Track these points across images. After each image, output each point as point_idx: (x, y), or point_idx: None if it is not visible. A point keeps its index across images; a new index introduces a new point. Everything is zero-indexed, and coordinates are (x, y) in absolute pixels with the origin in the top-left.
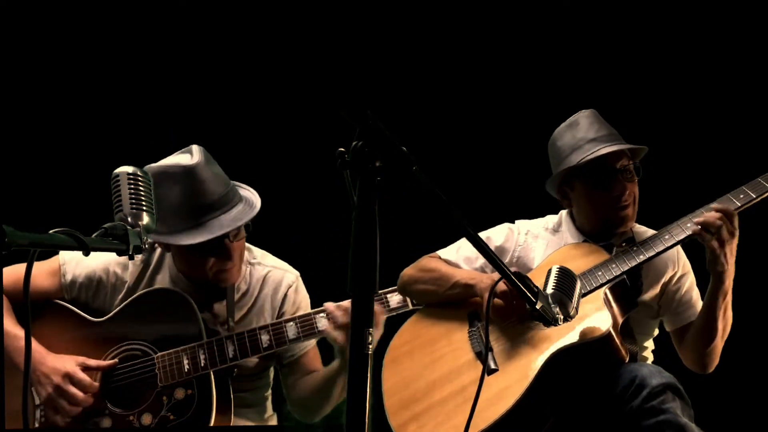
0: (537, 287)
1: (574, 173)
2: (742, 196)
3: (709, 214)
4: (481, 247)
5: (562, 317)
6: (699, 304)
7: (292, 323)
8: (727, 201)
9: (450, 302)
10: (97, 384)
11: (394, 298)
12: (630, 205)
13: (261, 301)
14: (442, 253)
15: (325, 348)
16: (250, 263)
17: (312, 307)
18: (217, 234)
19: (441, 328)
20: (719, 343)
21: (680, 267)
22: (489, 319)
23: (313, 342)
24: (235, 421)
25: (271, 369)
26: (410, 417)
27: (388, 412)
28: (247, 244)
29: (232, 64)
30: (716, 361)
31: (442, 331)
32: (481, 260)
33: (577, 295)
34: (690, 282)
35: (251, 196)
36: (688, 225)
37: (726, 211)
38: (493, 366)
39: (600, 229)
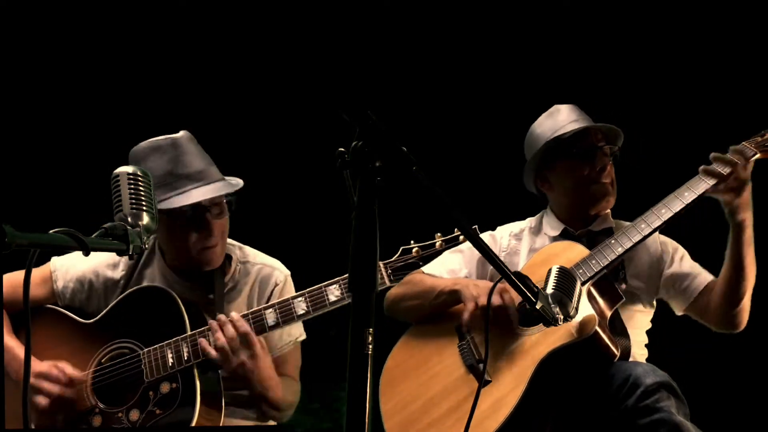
0: (537, 287)
1: (556, 152)
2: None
3: (724, 159)
4: (482, 247)
5: (562, 317)
6: (702, 269)
7: (271, 310)
8: (698, 181)
9: (438, 318)
10: (73, 378)
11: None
12: (609, 183)
13: (249, 297)
14: (426, 268)
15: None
16: (240, 261)
17: None
18: (194, 201)
19: (432, 345)
20: (749, 296)
21: (666, 250)
22: (487, 326)
23: (294, 347)
24: (231, 419)
25: None
26: None
27: None
28: (239, 244)
29: (233, 65)
30: (747, 315)
31: (433, 349)
32: (465, 271)
33: (577, 295)
34: (682, 255)
35: (233, 180)
36: (663, 210)
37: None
38: (486, 377)
39: (580, 210)
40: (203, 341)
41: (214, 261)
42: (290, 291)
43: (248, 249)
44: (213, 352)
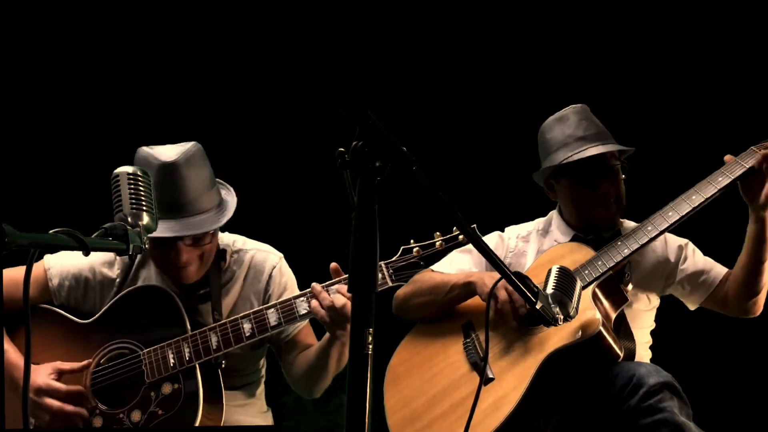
0: (537, 287)
1: (561, 170)
2: (720, 178)
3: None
4: (482, 247)
5: (562, 317)
6: (713, 261)
7: (272, 310)
8: (705, 185)
9: (444, 316)
10: (76, 387)
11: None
12: (614, 204)
13: (246, 286)
14: (435, 266)
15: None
16: (234, 252)
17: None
18: (160, 236)
19: (437, 343)
20: (766, 284)
21: (675, 249)
22: (488, 324)
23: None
24: (229, 417)
25: (262, 363)
26: None
27: (391, 431)
28: (229, 234)
29: (233, 64)
30: (763, 302)
31: (438, 346)
32: (475, 270)
33: (577, 295)
34: (694, 250)
35: (227, 205)
36: (670, 213)
37: None
38: (489, 375)
39: (585, 225)
40: (314, 302)
41: (185, 279)
42: (287, 272)
43: (238, 237)
44: (322, 312)
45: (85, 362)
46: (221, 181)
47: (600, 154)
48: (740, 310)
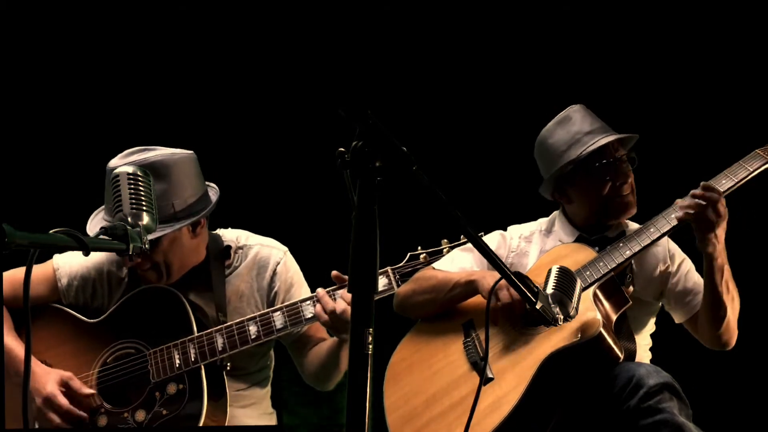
0: (537, 287)
1: (574, 167)
2: (724, 181)
3: (692, 200)
4: (482, 247)
5: (562, 317)
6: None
7: (279, 313)
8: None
9: (445, 315)
10: (78, 413)
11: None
12: (631, 193)
13: (251, 283)
14: (437, 264)
15: None
16: (239, 248)
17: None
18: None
19: (437, 341)
20: (732, 318)
21: (673, 260)
22: (488, 323)
23: None
24: (233, 418)
25: (270, 362)
26: None
27: (390, 429)
28: (232, 230)
29: (234, 65)
30: (734, 335)
31: (438, 345)
32: (476, 269)
33: (577, 295)
34: (688, 269)
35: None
36: (673, 215)
37: (709, 197)
38: (489, 375)
39: (600, 221)
40: (318, 306)
41: (146, 281)
42: (292, 266)
43: (242, 233)
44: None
45: (89, 391)
46: (210, 183)
47: (611, 145)
48: (709, 340)
